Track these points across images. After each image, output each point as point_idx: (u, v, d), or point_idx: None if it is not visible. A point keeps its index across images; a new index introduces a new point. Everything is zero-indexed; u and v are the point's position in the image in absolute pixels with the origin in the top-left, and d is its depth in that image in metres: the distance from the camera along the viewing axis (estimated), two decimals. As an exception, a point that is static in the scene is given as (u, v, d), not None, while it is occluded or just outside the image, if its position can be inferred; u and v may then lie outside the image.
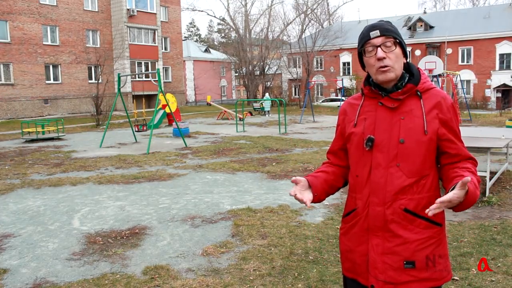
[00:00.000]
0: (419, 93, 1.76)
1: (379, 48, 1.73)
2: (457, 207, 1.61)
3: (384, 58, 1.72)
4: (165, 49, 38.59)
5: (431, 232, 1.74)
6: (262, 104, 30.09)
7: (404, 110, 1.75)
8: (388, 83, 1.76)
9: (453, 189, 1.59)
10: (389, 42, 1.73)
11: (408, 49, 40.41)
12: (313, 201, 1.86)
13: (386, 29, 1.74)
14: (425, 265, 1.73)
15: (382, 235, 1.75)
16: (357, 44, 1.86)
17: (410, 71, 1.80)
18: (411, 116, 1.73)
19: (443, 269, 1.76)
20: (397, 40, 1.75)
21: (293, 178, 1.82)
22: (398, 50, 1.75)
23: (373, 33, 1.74)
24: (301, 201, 1.78)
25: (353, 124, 1.84)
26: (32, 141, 15.55)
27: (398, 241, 1.72)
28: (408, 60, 1.82)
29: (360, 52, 1.81)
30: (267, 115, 28.95)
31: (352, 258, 1.85)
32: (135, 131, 16.80)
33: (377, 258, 1.75)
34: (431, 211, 1.54)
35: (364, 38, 1.77)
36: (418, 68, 1.83)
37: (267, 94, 37.38)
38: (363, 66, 1.85)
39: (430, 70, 20.09)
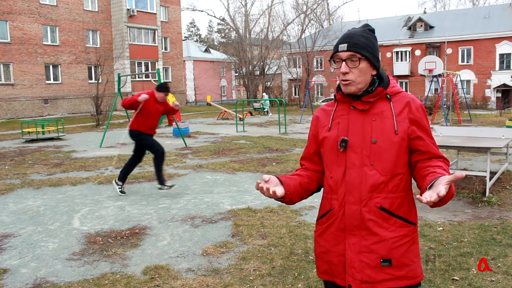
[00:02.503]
0: (388, 96, 1.84)
1: (343, 63, 1.80)
2: (435, 204, 1.62)
3: (347, 73, 1.79)
4: (165, 49, 38.61)
5: (405, 230, 1.78)
6: (262, 104, 30.15)
7: (375, 112, 1.82)
8: (349, 93, 1.84)
9: (430, 187, 1.59)
10: (355, 58, 1.79)
11: (408, 49, 40.75)
12: (284, 200, 1.86)
13: (354, 44, 1.79)
14: (400, 263, 1.75)
15: (358, 233, 1.78)
16: None
17: (380, 77, 1.87)
18: (382, 118, 1.80)
19: (416, 268, 1.80)
20: (364, 56, 1.79)
21: (263, 176, 1.81)
22: (363, 65, 1.80)
23: (341, 46, 1.81)
24: (268, 192, 1.74)
25: (327, 129, 1.90)
26: (32, 141, 15.55)
27: (374, 239, 1.75)
28: (379, 70, 1.86)
29: (330, 61, 1.91)
30: (268, 114, 29.05)
31: (328, 259, 1.87)
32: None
33: (354, 257, 1.77)
34: (426, 198, 1.53)
35: (334, 49, 1.85)
36: (388, 75, 1.91)
37: (265, 94, 37.49)
38: None
39: (430, 70, 20.09)
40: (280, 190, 1.82)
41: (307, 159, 2.04)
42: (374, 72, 1.84)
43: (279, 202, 1.90)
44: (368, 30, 1.85)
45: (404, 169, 1.81)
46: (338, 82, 1.95)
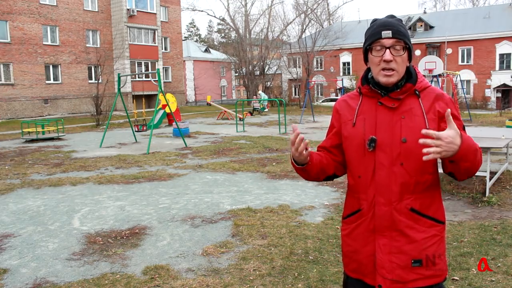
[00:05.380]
0: (417, 92, 1.77)
1: (387, 50, 1.71)
2: (457, 165, 1.58)
3: (391, 61, 1.70)
4: (165, 49, 38.58)
5: (435, 230, 1.77)
6: (262, 104, 30.17)
7: (404, 109, 1.75)
8: (389, 85, 1.75)
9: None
10: (399, 46, 1.72)
11: (408, 49, 40.72)
12: (305, 168, 1.83)
13: (399, 32, 1.71)
14: (430, 263, 1.76)
15: (389, 234, 1.76)
16: (358, 43, 1.85)
17: (408, 71, 1.80)
18: (411, 115, 1.73)
19: (443, 266, 1.80)
20: (407, 45, 1.73)
21: (294, 125, 1.74)
22: (405, 54, 1.74)
23: (385, 33, 1.70)
24: (299, 144, 1.71)
25: (352, 124, 1.82)
26: (32, 141, 15.55)
27: (405, 240, 1.74)
28: (409, 64, 1.81)
29: (366, 48, 1.78)
30: (264, 110, 29.21)
31: (357, 258, 1.85)
32: (135, 131, 16.80)
33: (384, 258, 1.76)
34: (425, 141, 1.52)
35: (375, 35, 1.73)
36: (414, 67, 1.83)
37: (261, 93, 37.65)
38: (366, 60, 1.83)
39: (430, 70, 20.10)
40: (305, 153, 1.77)
41: (325, 149, 1.97)
42: (408, 64, 1.77)
43: (296, 170, 1.85)
44: (401, 21, 1.78)
45: (434, 168, 1.77)
46: (364, 73, 1.87)
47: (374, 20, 1.80)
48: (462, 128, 1.77)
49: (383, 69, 1.72)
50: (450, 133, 1.52)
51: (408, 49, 1.74)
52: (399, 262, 1.74)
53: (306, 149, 1.78)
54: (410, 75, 1.79)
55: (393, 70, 1.71)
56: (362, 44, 1.85)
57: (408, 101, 1.76)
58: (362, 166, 1.80)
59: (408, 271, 1.74)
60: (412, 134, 1.71)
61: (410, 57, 1.77)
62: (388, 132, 1.74)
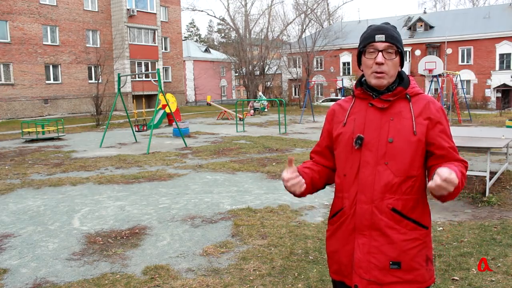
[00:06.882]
0: (408, 96, 1.80)
1: (380, 53, 1.76)
2: (444, 196, 1.63)
3: (383, 64, 1.75)
4: (165, 49, 38.59)
5: (417, 234, 1.75)
6: (262, 104, 30.19)
7: (393, 111, 1.78)
8: (380, 87, 1.80)
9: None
10: (392, 50, 1.77)
11: (408, 49, 40.69)
12: (301, 195, 1.86)
13: (391, 36, 1.77)
14: (410, 267, 1.73)
15: (368, 234, 1.75)
16: (358, 43, 1.88)
17: (400, 76, 1.84)
18: (400, 118, 1.77)
19: (425, 273, 1.77)
20: (399, 50, 1.78)
21: (290, 157, 1.80)
22: (397, 59, 1.79)
23: (379, 37, 1.76)
24: (298, 188, 1.79)
25: (343, 124, 1.86)
26: (32, 141, 15.55)
27: (384, 241, 1.73)
28: (401, 69, 1.86)
29: (360, 51, 1.83)
30: (266, 110, 29.31)
31: (338, 259, 1.85)
32: (135, 131, 16.80)
33: (363, 257, 1.75)
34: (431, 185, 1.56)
35: (369, 39, 1.79)
36: (408, 75, 1.88)
37: (261, 94, 37.76)
38: (359, 63, 1.88)
39: (430, 70, 20.11)
40: (302, 186, 1.82)
41: (318, 153, 2.00)
42: (399, 69, 1.82)
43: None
44: (395, 28, 1.84)
45: (419, 171, 1.77)
46: (359, 77, 1.92)
47: (370, 26, 1.86)
48: (448, 137, 1.79)
49: (375, 72, 1.77)
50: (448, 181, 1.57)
51: (400, 54, 1.79)
52: (377, 263, 1.73)
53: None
54: (402, 79, 1.83)
55: (384, 73, 1.76)
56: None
57: (398, 104, 1.79)
58: (348, 164, 1.82)
59: (385, 272, 1.72)
60: (399, 135, 1.74)
61: (402, 62, 1.82)
62: (375, 131, 1.77)
